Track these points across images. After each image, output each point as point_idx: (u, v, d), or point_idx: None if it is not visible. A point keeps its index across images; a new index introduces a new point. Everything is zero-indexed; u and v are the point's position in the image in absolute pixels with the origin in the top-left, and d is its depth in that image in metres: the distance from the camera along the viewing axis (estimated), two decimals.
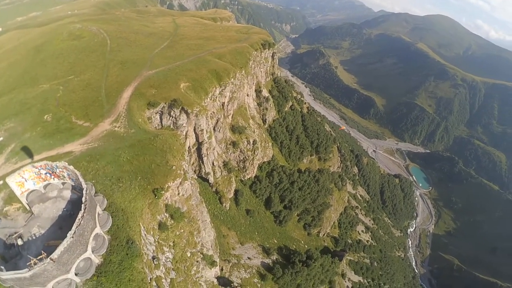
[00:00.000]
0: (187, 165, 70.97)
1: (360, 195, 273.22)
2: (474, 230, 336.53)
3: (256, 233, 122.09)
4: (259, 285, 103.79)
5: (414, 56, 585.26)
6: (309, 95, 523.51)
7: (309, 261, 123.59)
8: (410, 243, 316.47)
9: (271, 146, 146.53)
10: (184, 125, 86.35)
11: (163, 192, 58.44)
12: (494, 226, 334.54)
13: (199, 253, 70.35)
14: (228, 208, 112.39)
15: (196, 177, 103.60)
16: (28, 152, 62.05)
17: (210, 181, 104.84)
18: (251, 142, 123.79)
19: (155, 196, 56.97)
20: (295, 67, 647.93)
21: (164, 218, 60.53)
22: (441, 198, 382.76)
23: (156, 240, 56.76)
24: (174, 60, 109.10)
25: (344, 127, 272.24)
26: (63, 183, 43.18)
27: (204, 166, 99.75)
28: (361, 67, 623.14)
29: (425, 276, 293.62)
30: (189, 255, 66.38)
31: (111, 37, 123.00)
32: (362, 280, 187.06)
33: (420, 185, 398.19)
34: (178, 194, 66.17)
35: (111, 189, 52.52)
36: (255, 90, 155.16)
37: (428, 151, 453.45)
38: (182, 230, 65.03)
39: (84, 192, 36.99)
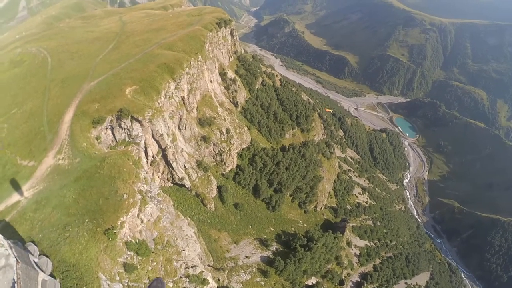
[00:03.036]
0: (145, 186, 60.67)
1: (350, 157, 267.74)
2: (468, 170, 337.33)
3: (250, 227, 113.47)
4: (263, 283, 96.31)
5: (379, 8, 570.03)
6: (281, 65, 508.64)
7: (310, 243, 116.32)
8: (408, 194, 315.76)
9: (247, 130, 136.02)
10: (140, 134, 74.89)
11: (117, 231, 49.17)
12: (486, 163, 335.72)
13: (183, 278, 61.11)
14: (213, 209, 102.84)
15: (172, 185, 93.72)
16: None
17: (187, 186, 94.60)
18: (224, 131, 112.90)
19: (109, 238, 47.95)
20: (261, 40, 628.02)
21: (129, 258, 51.03)
22: (430, 144, 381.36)
23: (126, 284, 48.22)
24: (119, 62, 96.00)
25: (330, 110, 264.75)
26: (6, 249, 33.98)
27: (175, 172, 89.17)
28: (328, 27, 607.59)
29: (428, 223, 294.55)
30: (171, 285, 57.36)
31: (52, 54, 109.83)
32: (368, 244, 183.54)
33: (407, 134, 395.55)
34: (142, 222, 56.39)
35: (57, 242, 44.60)
36: (220, 74, 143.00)
37: (409, 99, 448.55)
38: (155, 263, 55.52)
39: (15, 268, 27.74)
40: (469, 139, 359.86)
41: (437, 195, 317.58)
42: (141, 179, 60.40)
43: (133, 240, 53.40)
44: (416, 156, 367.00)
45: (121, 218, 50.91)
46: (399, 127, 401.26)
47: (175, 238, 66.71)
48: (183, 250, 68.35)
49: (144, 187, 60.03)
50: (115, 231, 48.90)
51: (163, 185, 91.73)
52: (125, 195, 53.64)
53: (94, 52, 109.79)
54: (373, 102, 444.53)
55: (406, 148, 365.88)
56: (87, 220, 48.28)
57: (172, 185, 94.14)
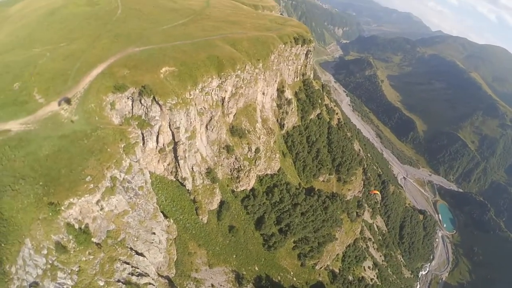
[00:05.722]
0: (123, 174, 53.50)
1: (377, 226, 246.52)
2: None
3: (234, 256, 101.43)
4: None
5: (466, 85, 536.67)
6: (349, 104, 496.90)
7: None
8: None
9: (279, 158, 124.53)
10: (157, 118, 68.37)
11: (60, 209, 44.29)
12: None
13: (120, 283, 52.73)
14: (205, 222, 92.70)
15: (174, 180, 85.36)
16: None
17: (187, 188, 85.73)
18: (253, 149, 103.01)
19: (50, 213, 43.40)
20: (339, 73, 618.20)
21: (65, 239, 45.38)
22: (463, 245, 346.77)
23: (51, 262, 44.41)
24: (175, 39, 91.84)
25: (377, 192, 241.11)
26: None
27: (181, 170, 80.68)
28: (408, 86, 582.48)
29: None
30: (102, 284, 50.19)
31: (124, 7, 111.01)
32: None
33: (445, 226, 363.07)
34: (101, 209, 50.18)
35: (4, 190, 43.03)
36: (277, 90, 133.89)
37: (461, 190, 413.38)
38: (92, 256, 49.13)
39: None
40: (504, 256, 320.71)
41: None
42: (122, 166, 53.81)
43: (76, 225, 47.31)
44: (444, 252, 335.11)
45: (70, 199, 46.05)
46: (439, 215, 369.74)
47: (135, 239, 59.57)
48: (140, 254, 60.09)
49: (121, 176, 53.77)
50: (58, 208, 44.57)
51: (165, 176, 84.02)
52: (89, 177, 48.35)
53: (161, 21, 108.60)
54: (424, 178, 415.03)
55: (437, 239, 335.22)
56: (40, 183, 45.47)
57: (174, 180, 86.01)
